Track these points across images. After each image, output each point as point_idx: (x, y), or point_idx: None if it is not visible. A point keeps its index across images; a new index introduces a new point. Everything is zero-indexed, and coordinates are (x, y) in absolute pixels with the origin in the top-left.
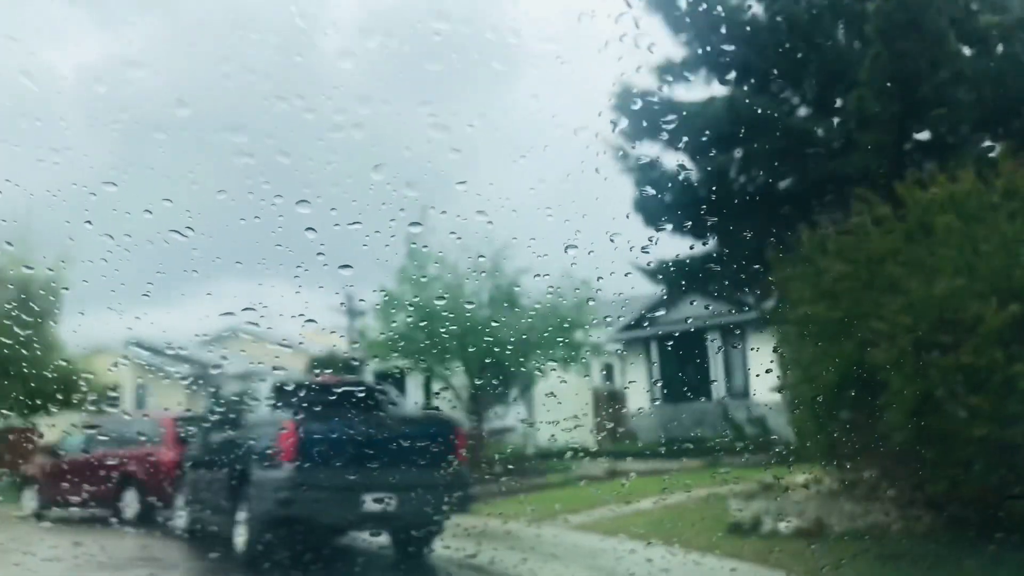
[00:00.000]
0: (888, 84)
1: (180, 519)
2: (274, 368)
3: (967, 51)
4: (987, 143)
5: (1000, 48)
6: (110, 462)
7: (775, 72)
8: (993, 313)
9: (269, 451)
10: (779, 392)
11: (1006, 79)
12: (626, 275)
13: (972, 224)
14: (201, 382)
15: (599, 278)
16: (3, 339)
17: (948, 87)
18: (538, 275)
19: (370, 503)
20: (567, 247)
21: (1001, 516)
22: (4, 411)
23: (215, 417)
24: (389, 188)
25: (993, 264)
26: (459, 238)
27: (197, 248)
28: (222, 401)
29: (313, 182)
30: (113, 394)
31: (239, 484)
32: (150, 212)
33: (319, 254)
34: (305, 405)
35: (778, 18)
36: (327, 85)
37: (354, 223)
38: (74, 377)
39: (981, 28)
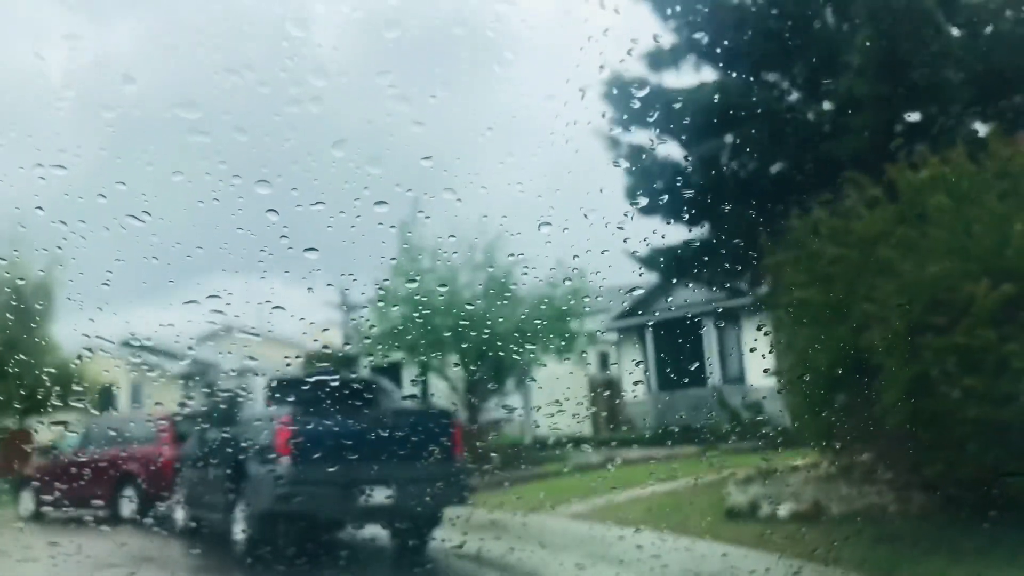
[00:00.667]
0: (878, 66)
1: (178, 516)
2: (268, 364)
3: (956, 32)
4: (978, 123)
5: (989, 28)
6: (107, 461)
7: (765, 57)
8: (986, 293)
9: (265, 447)
10: (774, 377)
11: (995, 59)
12: (617, 262)
13: (964, 205)
14: (196, 379)
15: (596, 272)
16: None
17: (938, 68)
18: (526, 265)
19: (367, 497)
20: (540, 224)
21: (997, 496)
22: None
23: (211, 414)
24: (351, 166)
25: (985, 244)
26: (452, 236)
27: (156, 234)
28: (218, 398)
29: (272, 161)
30: (108, 393)
31: (236, 480)
32: (104, 197)
33: (283, 236)
34: (301, 400)
35: (767, 2)
36: (279, 56)
37: (317, 203)
38: (68, 377)
39: (970, 8)
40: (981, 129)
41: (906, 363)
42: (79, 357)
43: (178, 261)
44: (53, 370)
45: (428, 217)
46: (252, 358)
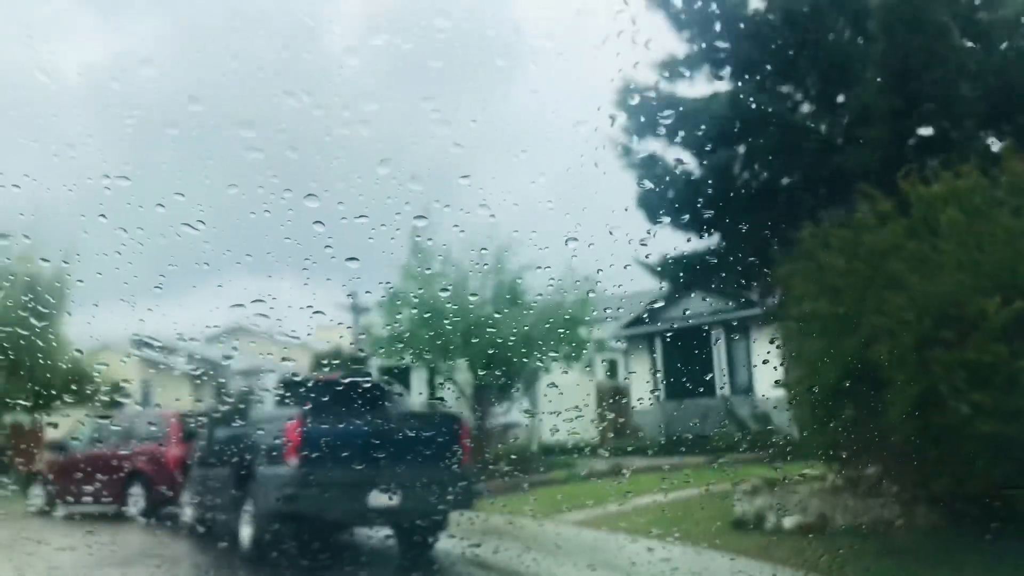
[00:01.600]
0: (890, 79)
1: (187, 514)
2: (282, 362)
3: (970, 46)
4: (991, 139)
5: (1003, 43)
6: (117, 457)
7: (777, 68)
8: (996, 309)
9: (274, 448)
10: (782, 388)
11: (1009, 74)
12: (626, 268)
13: (976, 220)
14: (208, 377)
15: (599, 270)
16: (15, 332)
17: (951, 83)
18: (540, 267)
19: (375, 498)
20: (567, 240)
21: (1003, 511)
22: (13, 406)
23: (222, 412)
24: (395, 183)
25: (996, 260)
26: (462, 231)
27: (209, 242)
28: (229, 396)
29: (321, 176)
30: (121, 389)
31: (245, 479)
32: (163, 206)
33: (327, 247)
34: (311, 400)
35: (779, 13)
36: (334, 82)
37: (361, 216)
38: (82, 372)
39: (984, 23)
40: (994, 144)
41: (915, 377)
42: (91, 354)
43: (228, 267)
44: (65, 366)
45: (463, 232)
46: (261, 361)
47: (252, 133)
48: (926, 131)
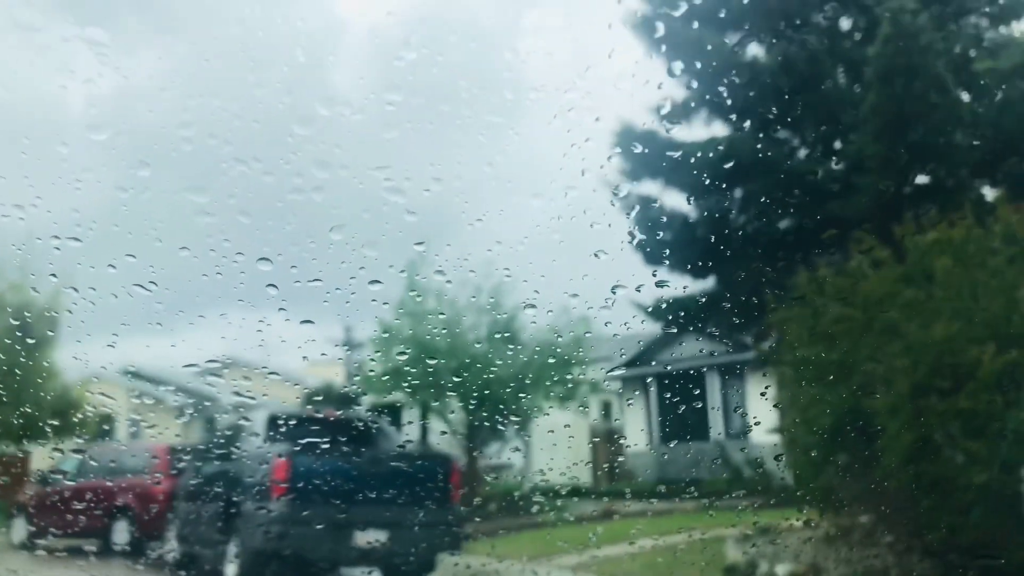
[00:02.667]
0: (886, 128)
1: (171, 551)
2: (271, 398)
3: (965, 96)
4: (985, 187)
5: (997, 94)
6: (102, 492)
7: (774, 114)
8: (991, 358)
9: (261, 484)
10: (777, 434)
11: (1004, 124)
12: (622, 310)
13: (970, 268)
14: (197, 411)
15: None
16: (2, 361)
17: (946, 132)
18: (533, 307)
19: (362, 539)
20: (561, 281)
21: (998, 563)
22: None
23: (210, 447)
24: (348, 248)
25: (991, 309)
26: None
27: (162, 302)
28: (218, 431)
29: (273, 241)
30: (109, 421)
31: (231, 517)
32: (114, 267)
33: (281, 309)
34: (299, 438)
35: (777, 60)
36: (285, 150)
37: (315, 280)
38: (70, 403)
39: (978, 74)
40: (988, 193)
41: (909, 425)
42: (80, 385)
43: (181, 327)
44: (53, 397)
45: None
46: (251, 396)
47: (203, 198)
48: (921, 179)
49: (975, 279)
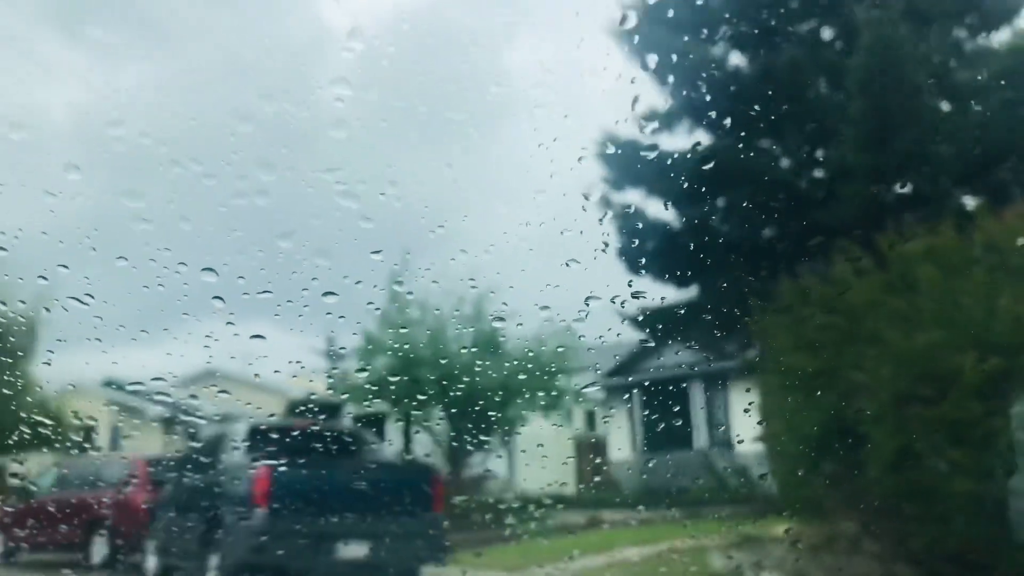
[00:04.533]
0: (869, 137)
1: (150, 565)
2: (253, 408)
3: (946, 107)
4: (967, 196)
5: (977, 104)
6: (80, 505)
7: (757, 123)
8: (973, 366)
9: (242, 496)
10: (760, 442)
11: (984, 134)
12: (606, 319)
13: (952, 277)
14: (177, 422)
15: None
16: None
17: (927, 141)
18: (519, 319)
19: (345, 550)
20: (546, 290)
21: (983, 570)
22: None
23: (190, 459)
24: (299, 257)
25: (972, 317)
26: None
27: (101, 316)
28: (198, 442)
29: (217, 250)
30: (88, 433)
31: (212, 528)
32: (45, 279)
33: (229, 323)
34: (281, 448)
35: (760, 70)
36: (226, 150)
37: (264, 292)
38: (48, 414)
39: (959, 84)
40: (970, 202)
41: (893, 433)
42: (59, 396)
43: (122, 343)
44: (30, 409)
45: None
46: (232, 408)
47: (139, 203)
48: (904, 188)
49: (957, 288)
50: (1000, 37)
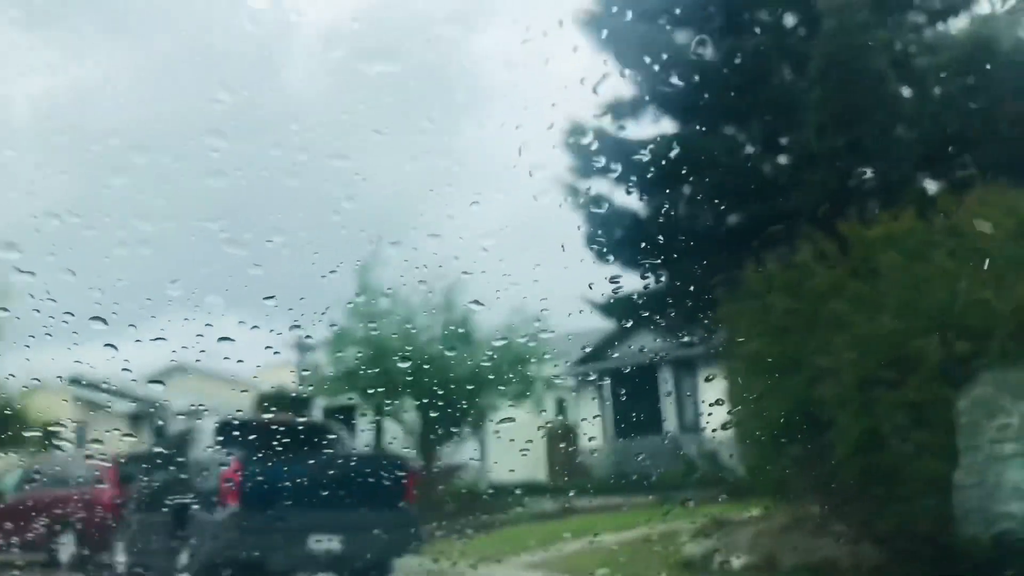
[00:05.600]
0: (831, 123)
1: (120, 563)
2: (223, 402)
3: (907, 92)
4: (928, 181)
5: (937, 89)
6: (47, 504)
7: (721, 110)
8: (935, 349)
9: (212, 491)
10: (729, 427)
11: (945, 120)
12: (575, 306)
13: (914, 261)
14: (146, 418)
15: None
16: None
17: (889, 127)
18: (488, 306)
19: (316, 544)
20: (515, 279)
21: (948, 550)
22: None
23: (159, 455)
24: (190, 303)
25: (934, 300)
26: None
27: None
28: (167, 438)
29: (105, 299)
30: (54, 430)
31: (182, 524)
32: None
33: (124, 370)
34: (252, 442)
35: (724, 57)
36: (102, 201)
37: (158, 339)
38: (13, 412)
39: (919, 70)
40: (931, 187)
41: (858, 416)
42: (24, 393)
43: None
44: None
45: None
46: (201, 403)
47: (15, 255)
48: (866, 174)
49: (918, 272)
50: (958, 23)
